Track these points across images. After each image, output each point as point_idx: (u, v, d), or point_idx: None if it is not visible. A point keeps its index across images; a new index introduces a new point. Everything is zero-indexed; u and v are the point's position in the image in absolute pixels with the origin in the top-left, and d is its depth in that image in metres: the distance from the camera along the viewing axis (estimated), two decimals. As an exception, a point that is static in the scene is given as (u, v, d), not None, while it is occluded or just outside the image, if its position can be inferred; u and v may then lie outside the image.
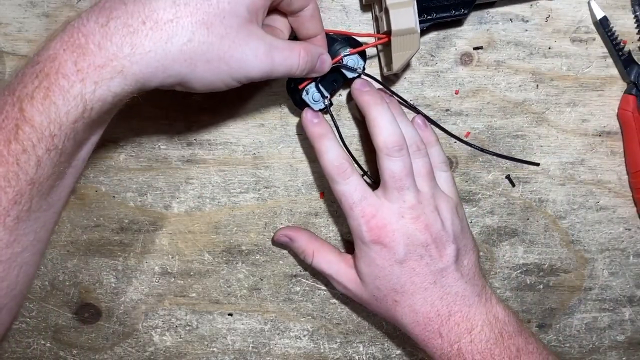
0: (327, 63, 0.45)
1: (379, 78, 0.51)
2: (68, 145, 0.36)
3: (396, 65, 0.47)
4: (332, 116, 0.49)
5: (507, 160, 0.52)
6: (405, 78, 0.52)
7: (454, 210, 0.47)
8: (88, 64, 0.34)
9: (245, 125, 0.52)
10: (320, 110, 0.48)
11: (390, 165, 0.45)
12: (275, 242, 0.53)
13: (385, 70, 0.50)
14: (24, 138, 0.34)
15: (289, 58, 0.41)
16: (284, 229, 0.52)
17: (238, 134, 0.52)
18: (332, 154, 0.47)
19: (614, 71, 0.52)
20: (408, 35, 0.45)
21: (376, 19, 0.50)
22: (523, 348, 0.46)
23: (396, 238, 0.45)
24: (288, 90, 0.48)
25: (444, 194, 0.48)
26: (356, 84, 0.48)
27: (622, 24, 0.52)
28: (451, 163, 0.53)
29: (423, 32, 0.50)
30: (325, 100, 0.48)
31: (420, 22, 0.47)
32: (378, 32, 0.50)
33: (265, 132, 0.52)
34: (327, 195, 0.53)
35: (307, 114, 0.48)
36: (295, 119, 0.52)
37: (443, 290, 0.46)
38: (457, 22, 0.51)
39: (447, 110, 0.52)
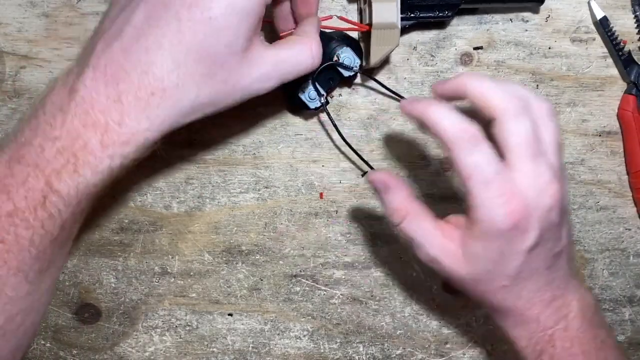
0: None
1: (377, 78, 0.51)
2: (90, 204, 0.38)
3: (373, 59, 0.46)
4: (328, 115, 0.49)
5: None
6: (405, 78, 0.52)
7: (565, 174, 0.42)
8: (113, 142, 0.36)
9: (245, 125, 0.52)
10: (317, 108, 0.48)
11: (517, 128, 0.37)
12: (368, 181, 0.44)
13: (363, 63, 0.50)
14: (51, 206, 0.36)
15: (298, 64, 0.40)
16: (382, 174, 0.43)
17: (238, 134, 0.52)
18: (451, 118, 0.38)
19: (614, 71, 0.52)
20: (388, 30, 0.46)
21: (360, 12, 0.50)
22: (605, 341, 0.43)
23: (533, 222, 0.38)
24: (283, 89, 0.48)
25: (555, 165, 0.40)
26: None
27: (622, 24, 0.52)
28: (451, 163, 0.52)
29: (405, 31, 0.50)
30: (322, 99, 0.48)
31: (403, 19, 0.47)
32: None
33: (265, 132, 0.52)
34: (327, 195, 0.53)
35: (402, 103, 0.41)
36: (296, 119, 0.52)
37: (553, 274, 0.41)
38: (440, 24, 0.51)
39: (447, 110, 0.52)
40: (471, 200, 0.39)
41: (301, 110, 0.51)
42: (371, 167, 0.51)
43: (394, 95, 0.52)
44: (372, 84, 0.52)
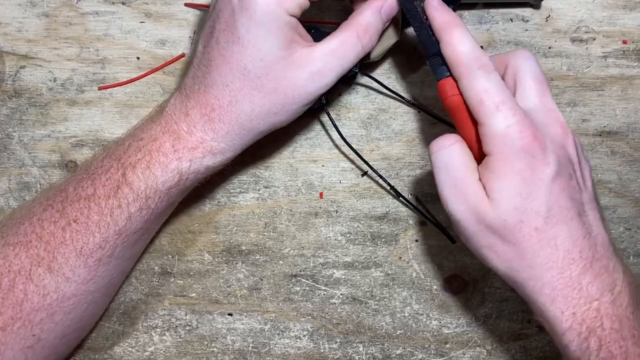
0: (391, 6, 0.43)
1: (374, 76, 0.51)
2: (160, 206, 0.43)
3: (374, 53, 0.46)
4: (328, 114, 0.49)
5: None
6: (405, 78, 0.52)
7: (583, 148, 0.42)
8: (183, 146, 0.42)
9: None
10: (316, 108, 0.48)
11: (530, 63, 0.40)
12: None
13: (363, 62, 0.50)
14: (122, 196, 0.41)
15: (346, 52, 0.41)
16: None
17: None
18: (469, 44, 0.39)
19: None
20: (390, 25, 0.46)
21: None
22: None
23: (548, 146, 0.38)
24: None
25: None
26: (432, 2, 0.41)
27: (623, 24, 0.52)
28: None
29: (407, 24, 0.50)
30: (322, 99, 0.48)
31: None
32: None
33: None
34: (327, 195, 0.53)
35: (432, 1, 0.41)
36: (296, 119, 0.52)
37: (586, 228, 0.38)
38: None
39: (447, 110, 0.52)
40: (484, 129, 0.39)
41: None
42: (371, 167, 0.51)
43: (393, 95, 0.52)
44: (372, 83, 0.52)
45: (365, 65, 0.50)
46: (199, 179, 0.44)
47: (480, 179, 0.39)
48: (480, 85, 0.38)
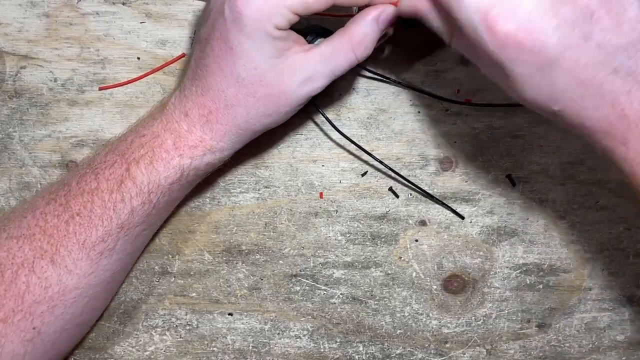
0: (389, 15, 0.41)
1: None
2: (162, 201, 0.44)
3: None
4: (319, 110, 0.49)
5: (507, 160, 0.52)
6: (405, 78, 0.52)
7: None
8: (184, 144, 0.43)
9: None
10: (306, 105, 0.48)
11: None
12: (405, 24, 0.44)
13: None
14: (125, 190, 0.42)
15: (339, 59, 0.42)
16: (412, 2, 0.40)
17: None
18: None
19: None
20: None
21: None
22: None
23: (544, 30, 0.32)
24: None
25: None
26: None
27: (622, 23, 0.51)
28: (450, 163, 0.53)
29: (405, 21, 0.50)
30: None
31: None
32: (358, 10, 0.49)
33: (265, 132, 0.52)
34: (327, 195, 0.53)
35: None
36: (295, 119, 0.52)
37: (629, 84, 0.33)
38: None
39: (447, 110, 0.52)
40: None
41: None
42: (367, 152, 0.51)
43: (380, 78, 0.52)
44: (372, 83, 0.52)
45: None
46: (200, 175, 0.46)
47: None
48: None
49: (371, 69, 0.50)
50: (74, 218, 0.42)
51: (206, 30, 0.42)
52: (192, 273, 0.54)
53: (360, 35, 0.42)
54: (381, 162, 0.51)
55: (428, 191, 0.52)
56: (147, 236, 0.49)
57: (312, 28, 0.48)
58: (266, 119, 0.44)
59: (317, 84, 0.43)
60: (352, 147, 0.52)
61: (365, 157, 0.52)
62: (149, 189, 0.43)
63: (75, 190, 0.43)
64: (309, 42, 0.47)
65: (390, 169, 0.51)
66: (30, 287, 0.42)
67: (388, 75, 0.51)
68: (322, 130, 0.52)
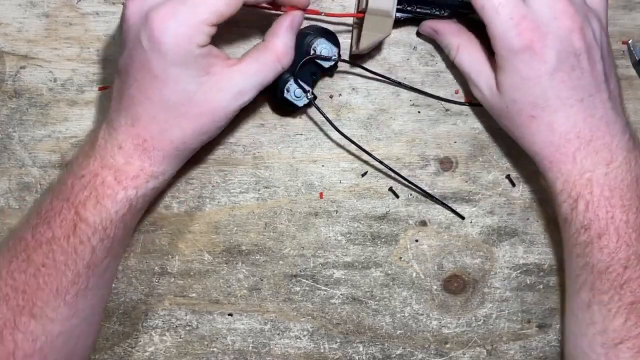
0: (299, 18, 0.44)
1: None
2: (118, 233, 0.44)
3: (363, 44, 0.46)
4: (318, 109, 0.49)
5: (507, 160, 0.52)
6: (405, 78, 0.52)
7: (603, 24, 0.44)
8: (125, 177, 0.42)
9: (245, 125, 0.52)
10: (305, 105, 0.48)
11: None
12: (420, 33, 0.50)
13: (353, 48, 0.50)
14: (81, 233, 0.42)
15: (266, 72, 0.43)
16: (428, 22, 0.49)
17: (238, 134, 0.52)
18: None
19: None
20: (382, 18, 0.45)
21: None
22: None
23: (549, 43, 0.41)
24: (268, 92, 0.48)
25: (591, 6, 0.44)
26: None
27: (623, 24, 0.52)
28: (451, 163, 0.53)
29: (399, 24, 0.50)
30: (308, 94, 0.48)
31: (399, 10, 0.47)
32: (357, 9, 0.50)
33: (265, 132, 0.52)
34: (327, 195, 0.53)
35: None
36: (296, 119, 0.52)
37: (588, 111, 0.42)
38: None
39: (447, 110, 0.52)
40: (489, 31, 0.43)
41: (290, 109, 0.51)
42: (367, 152, 0.51)
43: (376, 77, 0.52)
44: (372, 83, 0.52)
45: (353, 56, 0.50)
46: (148, 200, 0.46)
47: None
48: None
49: (371, 69, 0.50)
50: (40, 270, 0.43)
51: (124, 61, 0.42)
52: (192, 273, 0.53)
53: (282, 46, 0.43)
54: (381, 162, 0.51)
55: (428, 191, 0.52)
56: (116, 265, 0.49)
57: (312, 28, 0.48)
58: (202, 136, 0.44)
59: (247, 97, 0.43)
60: (352, 147, 0.52)
61: (365, 157, 0.52)
62: (103, 226, 0.43)
63: (33, 243, 0.43)
64: (309, 43, 0.47)
65: (391, 169, 0.51)
66: (19, 344, 0.42)
67: (388, 76, 0.51)
68: (322, 130, 0.52)
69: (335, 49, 0.47)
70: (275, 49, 0.43)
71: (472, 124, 0.52)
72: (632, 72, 0.52)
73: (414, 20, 0.50)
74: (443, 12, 0.48)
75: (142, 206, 0.45)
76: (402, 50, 0.52)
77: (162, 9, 0.39)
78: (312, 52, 0.47)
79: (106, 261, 0.44)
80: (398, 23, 0.50)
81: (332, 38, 0.48)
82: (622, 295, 0.43)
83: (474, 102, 0.51)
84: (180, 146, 0.43)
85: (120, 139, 0.42)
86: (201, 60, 0.40)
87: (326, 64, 0.48)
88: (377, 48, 0.51)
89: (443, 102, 0.52)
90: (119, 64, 0.43)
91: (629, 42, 0.51)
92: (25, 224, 0.45)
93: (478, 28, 0.47)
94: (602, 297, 0.44)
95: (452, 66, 0.51)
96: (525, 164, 0.52)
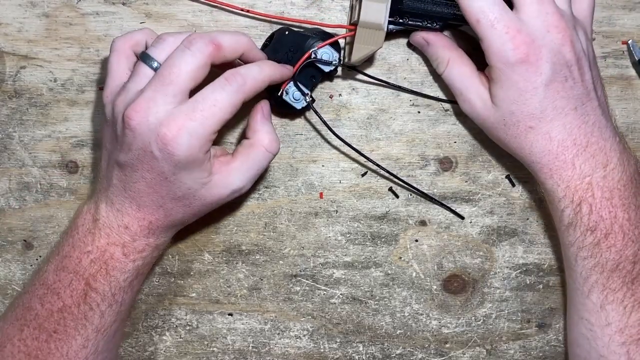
0: (267, 106, 0.48)
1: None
2: (126, 297, 0.47)
3: (355, 57, 0.46)
4: (316, 112, 0.49)
5: (507, 160, 0.52)
6: (405, 78, 0.52)
7: (588, 35, 0.46)
8: (132, 251, 0.45)
9: (245, 125, 0.52)
10: (303, 108, 0.48)
11: None
12: (411, 44, 0.51)
13: (345, 60, 0.50)
14: (91, 300, 0.45)
15: (261, 164, 0.46)
16: (420, 32, 0.49)
17: (238, 134, 0.52)
18: None
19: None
20: (374, 31, 0.46)
21: (352, 8, 0.50)
22: None
23: (543, 55, 0.43)
24: (267, 94, 0.48)
25: (577, 17, 0.46)
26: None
27: (622, 24, 0.52)
28: (450, 163, 0.53)
29: (392, 35, 0.50)
30: (307, 97, 0.48)
31: (391, 23, 0.47)
32: (349, 22, 0.50)
33: (265, 132, 0.52)
34: (327, 195, 0.53)
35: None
36: (295, 119, 0.52)
37: (582, 119, 0.44)
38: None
39: (447, 110, 0.52)
40: (484, 45, 0.44)
41: (289, 111, 0.51)
42: (364, 156, 0.51)
43: (376, 82, 0.52)
44: (372, 84, 0.52)
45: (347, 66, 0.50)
46: (152, 263, 0.48)
47: (487, 73, 0.46)
48: (476, 4, 0.43)
49: (371, 72, 0.50)
50: (52, 336, 0.45)
51: (129, 160, 0.43)
52: (192, 273, 0.54)
53: (267, 138, 0.46)
54: (379, 166, 0.51)
55: (427, 192, 0.52)
56: (123, 327, 0.50)
57: (314, 31, 0.48)
58: (198, 216, 0.47)
59: (245, 189, 0.46)
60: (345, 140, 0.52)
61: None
62: (112, 293, 0.45)
63: (44, 313, 0.45)
64: (311, 46, 0.47)
65: (388, 172, 0.51)
66: None
67: (388, 76, 0.51)
68: (322, 130, 0.52)
69: (336, 54, 0.48)
70: (261, 143, 0.46)
71: (472, 124, 0.52)
72: (632, 72, 0.52)
73: (405, 32, 0.50)
74: (435, 24, 0.48)
75: (147, 270, 0.48)
76: (402, 50, 0.52)
77: (172, 125, 0.41)
78: (313, 56, 0.47)
79: (115, 325, 0.47)
80: (390, 35, 0.50)
81: (333, 43, 0.48)
82: (634, 291, 0.44)
83: None
84: (179, 225, 0.47)
85: (127, 220, 0.45)
86: (206, 163, 0.43)
87: (326, 69, 0.48)
88: (369, 59, 0.51)
89: (443, 102, 0.52)
90: (118, 159, 0.44)
91: (629, 42, 0.51)
92: (31, 294, 0.46)
93: (465, 40, 0.48)
94: (616, 296, 0.45)
95: (452, 66, 0.51)
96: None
